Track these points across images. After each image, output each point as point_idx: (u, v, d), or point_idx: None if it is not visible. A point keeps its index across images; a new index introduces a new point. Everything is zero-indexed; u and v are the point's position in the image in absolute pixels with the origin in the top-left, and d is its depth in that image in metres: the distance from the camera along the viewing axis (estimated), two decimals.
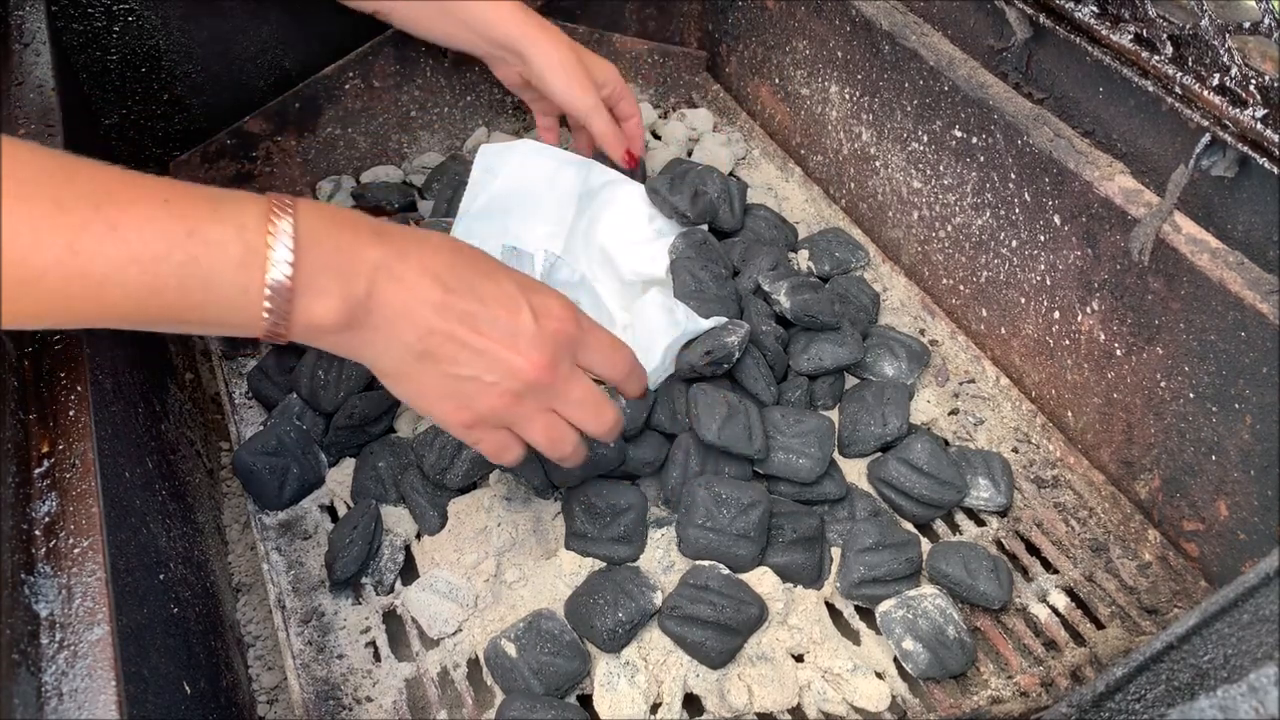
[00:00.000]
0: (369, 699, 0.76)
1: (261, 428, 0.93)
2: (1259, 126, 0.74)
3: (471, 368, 0.62)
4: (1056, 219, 0.90)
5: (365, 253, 0.59)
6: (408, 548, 0.85)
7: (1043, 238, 0.92)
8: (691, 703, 0.76)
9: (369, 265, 0.59)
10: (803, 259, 1.08)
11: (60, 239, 0.49)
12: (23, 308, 0.50)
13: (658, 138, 1.29)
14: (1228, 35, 0.77)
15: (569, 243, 1.01)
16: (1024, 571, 0.85)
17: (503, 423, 0.66)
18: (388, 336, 0.61)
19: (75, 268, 0.50)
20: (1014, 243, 0.96)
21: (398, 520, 0.86)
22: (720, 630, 0.75)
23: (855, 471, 0.91)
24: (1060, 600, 0.82)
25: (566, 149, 1.07)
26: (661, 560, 0.82)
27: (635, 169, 1.09)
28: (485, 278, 0.63)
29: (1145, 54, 0.83)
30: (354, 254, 0.58)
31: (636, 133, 1.08)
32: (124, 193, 0.52)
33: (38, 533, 0.57)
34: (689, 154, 1.26)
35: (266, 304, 0.56)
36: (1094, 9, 0.87)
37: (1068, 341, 0.93)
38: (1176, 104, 0.81)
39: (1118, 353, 0.87)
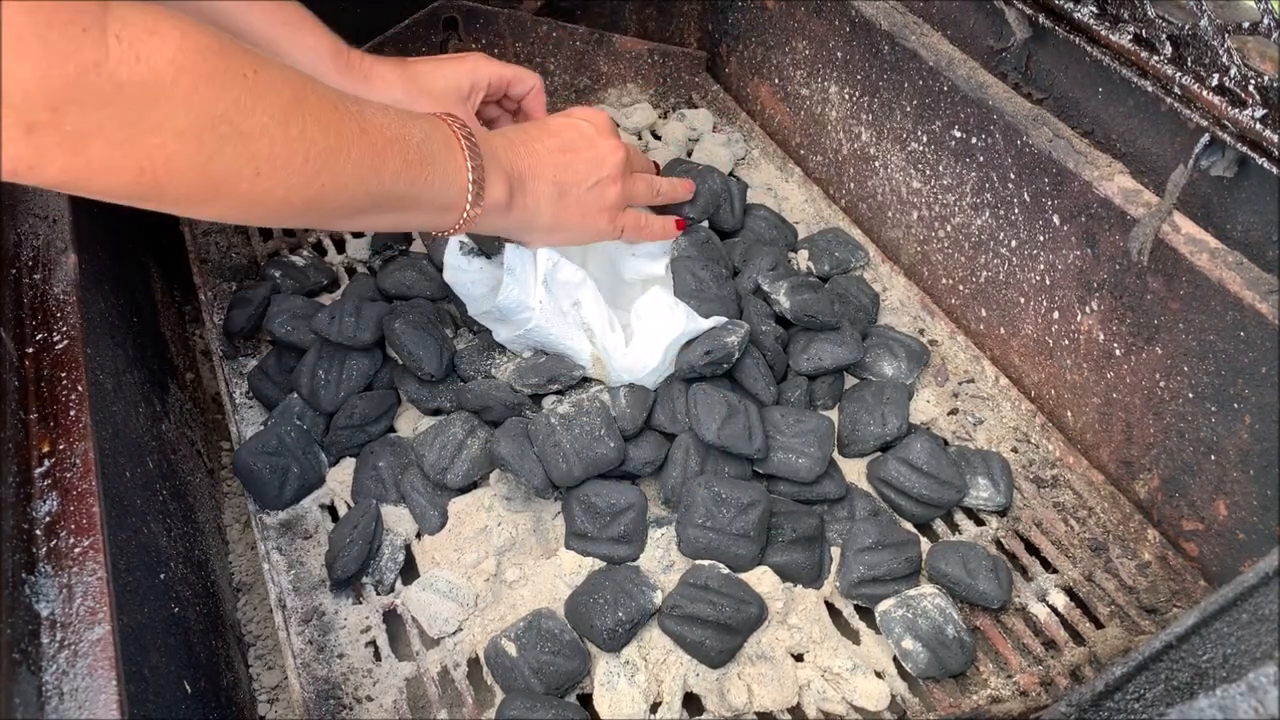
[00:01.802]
0: (369, 698, 0.76)
1: (262, 427, 0.93)
2: (1258, 126, 0.74)
3: (589, 174, 0.85)
4: (1056, 219, 0.90)
5: (494, 140, 0.81)
6: (408, 547, 0.85)
7: (1042, 238, 0.92)
8: (691, 702, 0.76)
9: (502, 148, 0.80)
10: (802, 259, 1.08)
11: (353, 120, 0.66)
12: (334, 180, 0.65)
13: (657, 138, 1.29)
14: (1227, 35, 0.77)
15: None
16: (1023, 571, 0.85)
17: (626, 202, 0.90)
18: (534, 192, 0.82)
19: (366, 143, 0.67)
20: (1013, 243, 0.96)
21: (398, 520, 0.86)
22: (720, 629, 0.75)
23: (855, 471, 0.91)
24: (1059, 600, 0.82)
25: None
26: (661, 560, 0.82)
27: None
28: (545, 127, 0.87)
29: (1145, 54, 0.83)
30: (490, 141, 0.80)
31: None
32: (352, 96, 0.68)
33: (38, 532, 0.57)
34: (689, 154, 1.26)
35: (470, 176, 0.75)
36: (1093, 9, 0.87)
37: (1067, 341, 0.93)
38: (1176, 104, 0.81)
39: (1117, 352, 0.88)
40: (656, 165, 1.05)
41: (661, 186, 0.96)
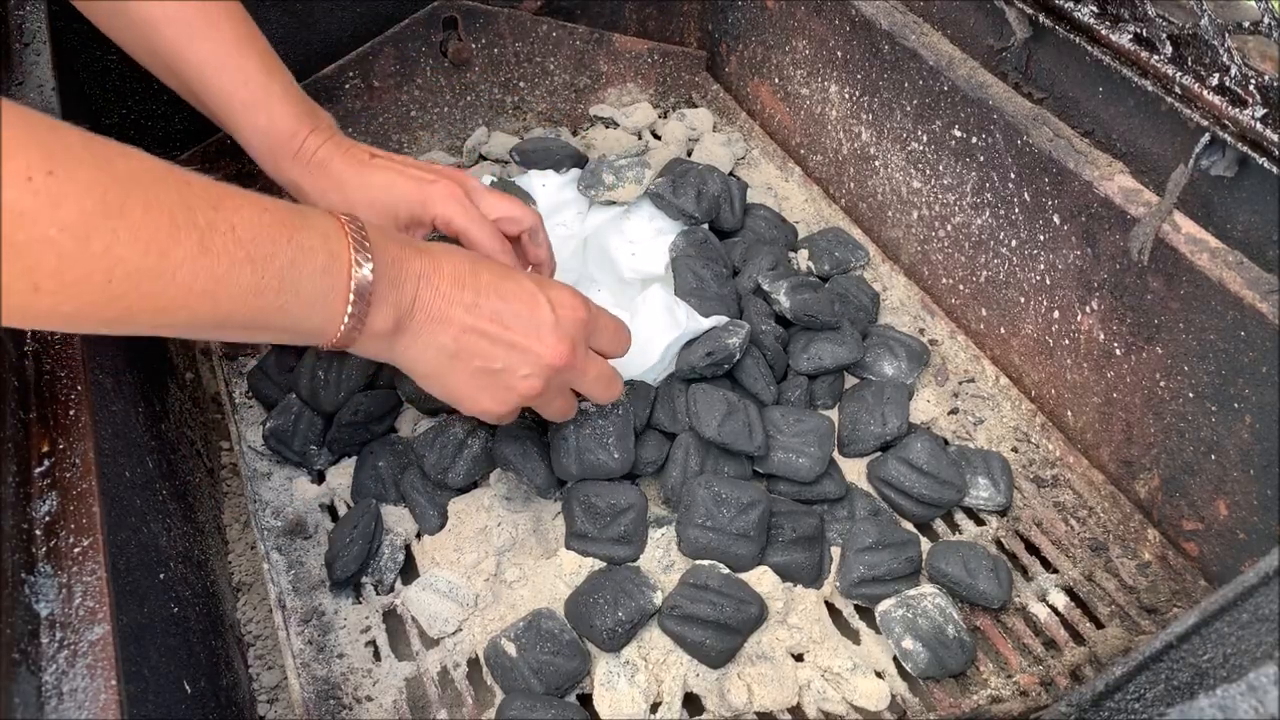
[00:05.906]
0: (369, 698, 0.76)
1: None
2: (1258, 126, 0.74)
3: (503, 361, 0.70)
4: (1056, 218, 0.90)
5: (411, 264, 0.66)
6: (408, 547, 0.85)
7: (1042, 237, 0.92)
8: (691, 702, 0.76)
9: (414, 275, 0.66)
10: (803, 259, 1.08)
11: (193, 236, 0.53)
12: (150, 303, 0.53)
13: (658, 138, 1.29)
14: (1227, 35, 0.77)
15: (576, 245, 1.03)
16: (1023, 571, 0.85)
17: (530, 402, 0.74)
18: (426, 340, 0.68)
19: (204, 264, 0.54)
20: (1013, 242, 0.96)
21: (398, 520, 0.86)
22: (720, 629, 0.75)
23: (855, 471, 0.91)
24: (1060, 599, 0.82)
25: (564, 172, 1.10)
26: (661, 559, 0.82)
27: None
28: (505, 278, 0.71)
29: (1145, 54, 0.83)
30: (403, 265, 0.66)
31: None
32: (231, 199, 0.56)
33: (38, 532, 0.57)
34: (689, 154, 1.26)
35: (350, 309, 0.62)
36: (1094, 9, 0.87)
37: (1067, 341, 0.93)
38: (1176, 104, 0.81)
39: (1117, 352, 0.88)
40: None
41: (597, 394, 0.78)
